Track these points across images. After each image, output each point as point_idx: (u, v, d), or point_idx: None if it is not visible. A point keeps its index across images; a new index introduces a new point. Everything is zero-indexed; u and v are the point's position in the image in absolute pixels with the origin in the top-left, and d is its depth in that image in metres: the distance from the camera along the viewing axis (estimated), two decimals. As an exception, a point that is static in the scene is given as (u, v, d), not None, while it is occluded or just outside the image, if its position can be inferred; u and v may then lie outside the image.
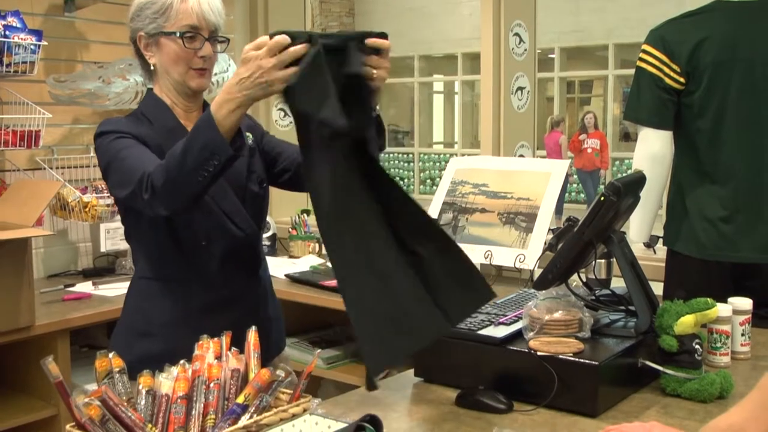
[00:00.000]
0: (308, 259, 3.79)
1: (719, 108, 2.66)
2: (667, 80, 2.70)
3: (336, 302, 3.15)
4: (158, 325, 2.09)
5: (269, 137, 2.36)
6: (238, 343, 1.66)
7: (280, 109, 4.37)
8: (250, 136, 2.23)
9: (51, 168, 3.59)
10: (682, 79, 2.69)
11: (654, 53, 2.72)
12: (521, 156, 3.76)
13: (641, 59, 2.76)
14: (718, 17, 2.69)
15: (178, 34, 2.06)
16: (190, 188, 1.84)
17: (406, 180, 17.48)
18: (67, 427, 1.45)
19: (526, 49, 3.76)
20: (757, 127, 2.65)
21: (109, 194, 3.56)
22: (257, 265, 2.25)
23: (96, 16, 3.74)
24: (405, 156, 17.64)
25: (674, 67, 2.69)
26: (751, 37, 2.62)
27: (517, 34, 3.69)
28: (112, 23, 3.76)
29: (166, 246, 2.09)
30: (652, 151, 2.77)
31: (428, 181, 17.00)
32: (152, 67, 2.13)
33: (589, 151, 13.33)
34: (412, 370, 2.06)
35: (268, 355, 2.06)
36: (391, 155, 17.67)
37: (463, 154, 14.25)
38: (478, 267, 3.46)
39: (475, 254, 3.26)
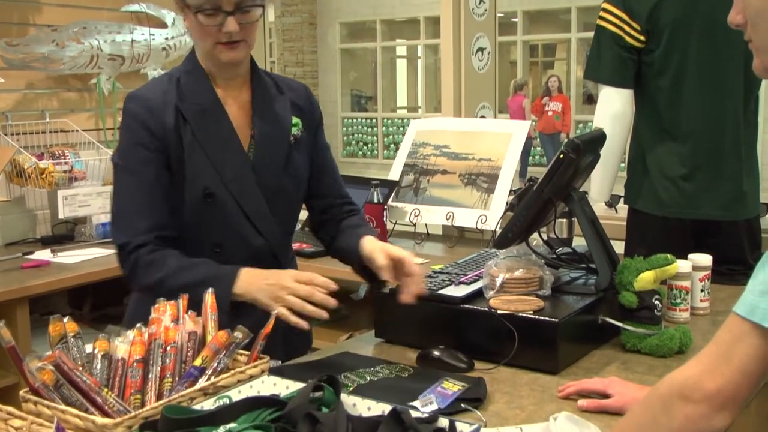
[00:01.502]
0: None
1: (679, 66, 2.66)
2: (628, 39, 2.69)
3: (300, 265, 3.14)
4: None
5: (323, 150, 2.12)
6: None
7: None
8: (299, 123, 2.01)
9: (5, 134, 3.52)
10: (642, 38, 2.68)
11: (614, 11, 2.71)
12: (482, 117, 3.74)
13: (601, 18, 2.74)
14: (678, -26, 2.68)
15: (193, 10, 1.83)
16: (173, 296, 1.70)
17: (369, 145, 17.44)
18: (21, 392, 1.43)
19: (486, 10, 3.73)
20: (717, 84, 2.65)
21: (66, 160, 3.51)
22: None
23: (48, -23, 3.66)
24: (368, 121, 17.59)
25: (634, 25, 2.68)
26: (711, -6, 2.62)
27: (477, -6, 3.67)
28: (65, -15, 3.68)
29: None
30: (613, 110, 2.76)
31: (392, 145, 16.96)
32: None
33: (550, 114, 13.41)
34: (372, 332, 2.06)
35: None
36: (355, 120, 17.62)
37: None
38: (440, 229, 3.47)
39: (437, 216, 3.26)
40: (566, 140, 13.34)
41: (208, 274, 1.79)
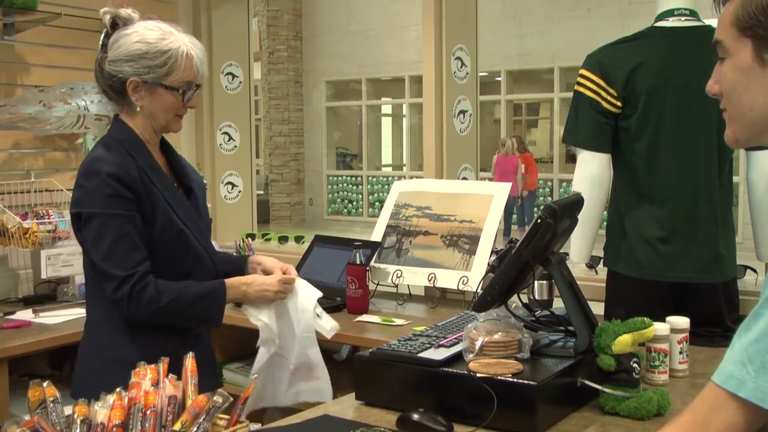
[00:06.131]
0: (253, 284, 3.75)
1: (655, 131, 2.72)
2: (605, 104, 2.74)
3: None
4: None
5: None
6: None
7: (225, 133, 4.36)
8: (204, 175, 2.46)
9: (-10, 194, 3.54)
10: (618, 103, 2.74)
11: (591, 78, 2.77)
12: (464, 178, 3.79)
13: (579, 83, 2.81)
14: (654, 43, 2.75)
15: (180, 91, 2.17)
16: (173, 321, 2.19)
17: (354, 203, 17.48)
18: (0, 458, 1.43)
19: (468, 73, 3.80)
20: (692, 149, 2.71)
21: (50, 220, 3.52)
22: None
23: (36, 39, 3.70)
24: (353, 179, 17.64)
25: (611, 91, 2.74)
26: (685, 62, 2.68)
27: (458, 58, 3.73)
28: (53, 46, 3.72)
29: None
30: (591, 173, 2.81)
31: (377, 204, 16.99)
32: (138, 109, 2.18)
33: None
34: (353, 394, 2.06)
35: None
36: (340, 178, 17.67)
37: (411, 177, 14.31)
38: (422, 290, 3.48)
39: (419, 277, 3.28)
40: (533, 198, 13.59)
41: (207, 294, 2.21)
